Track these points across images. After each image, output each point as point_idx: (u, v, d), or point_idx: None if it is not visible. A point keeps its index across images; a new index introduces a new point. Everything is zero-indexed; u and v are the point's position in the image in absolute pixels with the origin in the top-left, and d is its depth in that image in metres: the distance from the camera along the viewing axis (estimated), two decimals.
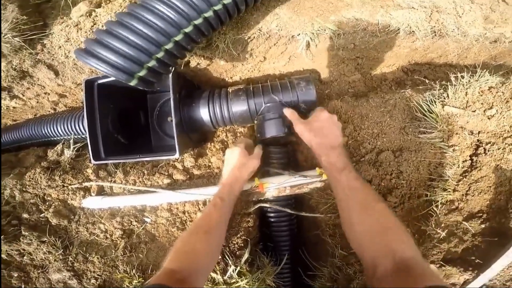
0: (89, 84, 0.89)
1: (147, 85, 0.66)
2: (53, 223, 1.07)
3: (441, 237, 0.89)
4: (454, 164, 0.89)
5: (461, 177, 0.89)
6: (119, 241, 1.03)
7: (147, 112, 1.10)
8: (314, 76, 1.11)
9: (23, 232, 1.04)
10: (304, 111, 0.98)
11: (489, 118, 0.79)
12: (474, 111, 0.80)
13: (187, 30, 0.60)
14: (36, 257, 1.06)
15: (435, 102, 0.82)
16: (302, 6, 0.78)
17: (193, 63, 0.91)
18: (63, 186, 1.07)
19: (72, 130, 1.05)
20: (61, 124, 1.06)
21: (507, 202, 0.86)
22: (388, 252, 0.55)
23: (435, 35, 0.87)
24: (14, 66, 0.95)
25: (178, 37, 0.60)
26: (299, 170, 1.02)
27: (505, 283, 0.87)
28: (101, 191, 1.05)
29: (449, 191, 0.90)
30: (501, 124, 0.80)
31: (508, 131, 0.79)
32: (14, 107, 1.14)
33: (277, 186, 0.94)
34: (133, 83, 0.61)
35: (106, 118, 0.94)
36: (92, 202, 1.03)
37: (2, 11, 0.82)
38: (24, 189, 1.07)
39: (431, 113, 0.83)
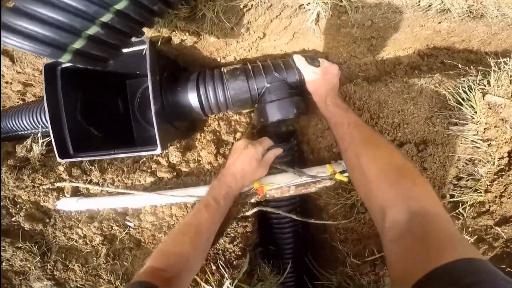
0: (50, 69, 0.73)
1: (91, 61, 0.47)
2: (26, 228, 0.95)
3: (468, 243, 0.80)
4: (488, 161, 0.75)
5: (495, 176, 0.76)
6: (100, 247, 0.92)
7: (127, 99, 0.94)
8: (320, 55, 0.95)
9: None
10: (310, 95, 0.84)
11: None
12: None
13: None
14: (15, 263, 0.95)
15: (474, 89, 0.67)
16: None
17: (176, 40, 0.74)
18: (34, 186, 0.93)
19: (39, 123, 0.89)
20: (26, 116, 0.91)
21: None
22: (400, 198, 0.45)
23: (470, 15, 0.71)
24: None
25: None
26: (305, 165, 0.88)
27: None
28: (76, 192, 0.92)
29: (480, 192, 0.77)
30: None
31: None
32: None
33: (280, 186, 0.81)
34: (64, 59, 0.42)
35: (74, 107, 0.79)
36: (67, 204, 0.90)
37: None
38: None
39: (467, 101, 0.68)
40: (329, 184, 0.84)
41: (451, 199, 0.80)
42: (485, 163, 0.76)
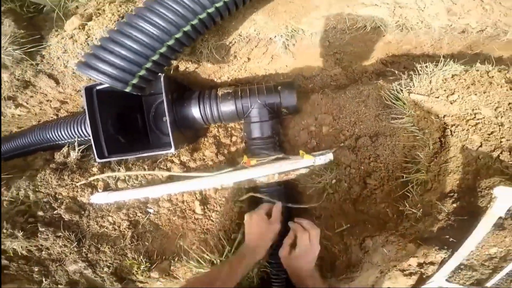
0: (88, 91, 0.98)
1: (140, 90, 0.76)
2: (66, 219, 1.16)
3: (417, 216, 0.96)
4: (425, 146, 0.97)
5: (432, 158, 0.98)
6: (126, 231, 1.13)
7: (143, 114, 1.19)
8: (297, 77, 1.19)
9: (40, 229, 1.13)
10: (285, 115, 1.07)
11: (451, 103, 0.87)
12: (438, 97, 0.88)
13: (170, 43, 0.69)
14: (53, 251, 1.15)
15: (402, 90, 0.90)
16: (276, 11, 0.86)
17: (182, 67, 0.99)
18: (72, 184, 1.17)
19: (76, 133, 1.14)
20: (65, 128, 1.15)
21: (475, 181, 0.94)
22: None
23: (402, 29, 0.94)
24: (17, 77, 1.04)
25: (163, 50, 0.70)
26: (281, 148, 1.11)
27: (483, 262, 0.94)
28: (107, 187, 1.15)
29: (423, 172, 0.98)
30: (463, 108, 0.88)
31: (470, 114, 0.87)
32: (19, 115, 1.23)
33: (263, 162, 1.03)
34: (128, 89, 0.71)
35: (107, 121, 1.03)
36: (99, 198, 1.13)
37: None
38: (36, 189, 1.17)
39: (399, 100, 0.91)
40: (304, 172, 1.06)
41: (402, 179, 1.02)
42: (423, 148, 0.97)
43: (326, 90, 1.09)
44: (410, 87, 0.91)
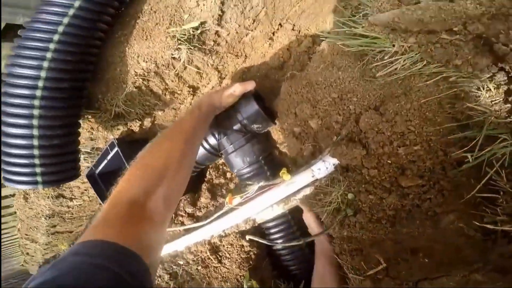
0: (91, 177, 1.09)
1: (56, 183, 0.76)
2: None
3: None
4: (477, 87, 0.48)
5: (505, 101, 0.47)
6: (170, 283, 1.12)
7: None
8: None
9: None
10: (260, 129, 0.81)
11: None
12: None
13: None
14: None
15: (357, 22, 0.49)
16: (148, 30, 0.67)
17: (135, 128, 0.93)
18: None
19: None
20: None
21: None
22: None
23: None
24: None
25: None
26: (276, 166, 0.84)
27: None
28: None
29: (505, 137, 0.48)
30: None
31: None
32: (80, 204, 1.50)
33: (246, 195, 0.80)
34: (40, 187, 0.73)
35: None
36: None
37: None
38: None
39: (365, 37, 0.50)
40: (308, 193, 0.75)
41: (468, 160, 0.53)
42: (475, 89, 0.48)
43: (292, 72, 0.76)
44: (365, 10, 0.48)
